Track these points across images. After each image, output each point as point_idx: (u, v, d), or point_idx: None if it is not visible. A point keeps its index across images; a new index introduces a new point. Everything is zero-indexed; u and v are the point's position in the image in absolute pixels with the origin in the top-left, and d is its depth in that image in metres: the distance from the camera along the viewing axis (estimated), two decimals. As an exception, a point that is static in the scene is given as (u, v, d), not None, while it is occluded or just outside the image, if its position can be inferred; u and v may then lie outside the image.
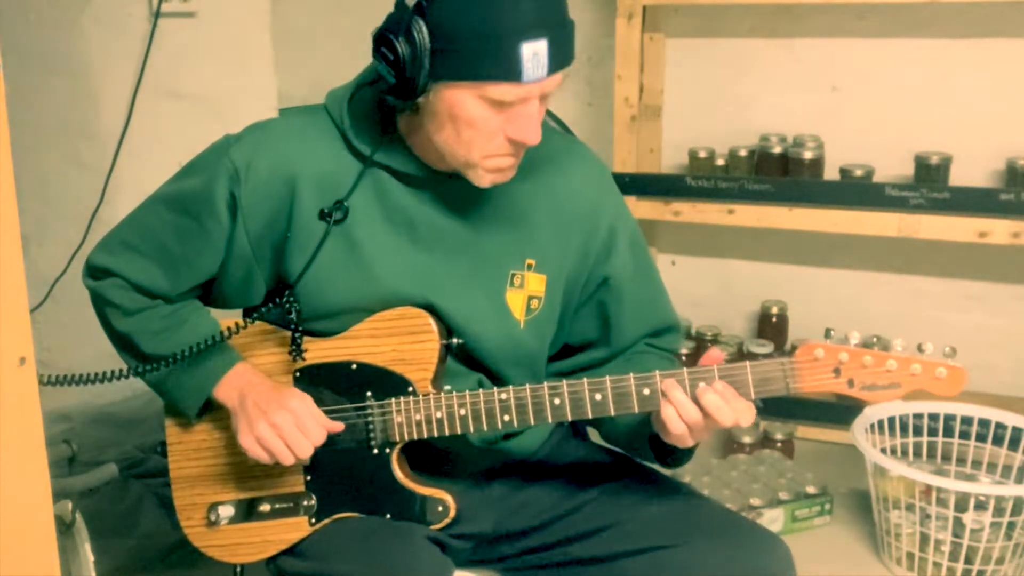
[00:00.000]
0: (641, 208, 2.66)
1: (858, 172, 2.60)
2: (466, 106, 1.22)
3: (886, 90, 2.70)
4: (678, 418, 1.27)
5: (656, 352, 1.50)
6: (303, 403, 1.34)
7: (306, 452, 1.33)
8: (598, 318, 1.47)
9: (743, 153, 2.74)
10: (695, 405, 1.26)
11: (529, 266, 1.41)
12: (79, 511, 1.69)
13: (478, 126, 1.24)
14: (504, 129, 1.25)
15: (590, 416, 1.32)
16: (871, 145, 2.70)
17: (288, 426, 1.32)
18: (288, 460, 1.33)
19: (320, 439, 1.34)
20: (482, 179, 1.30)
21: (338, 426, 1.36)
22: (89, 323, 1.50)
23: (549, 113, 1.36)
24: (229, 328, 1.37)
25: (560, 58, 1.21)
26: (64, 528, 1.67)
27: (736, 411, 1.25)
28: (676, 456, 1.39)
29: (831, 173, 2.67)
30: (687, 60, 2.87)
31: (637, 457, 1.47)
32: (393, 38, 1.20)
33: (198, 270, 1.40)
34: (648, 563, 1.35)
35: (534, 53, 1.17)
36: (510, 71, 1.18)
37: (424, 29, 1.19)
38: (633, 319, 1.47)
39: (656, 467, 1.45)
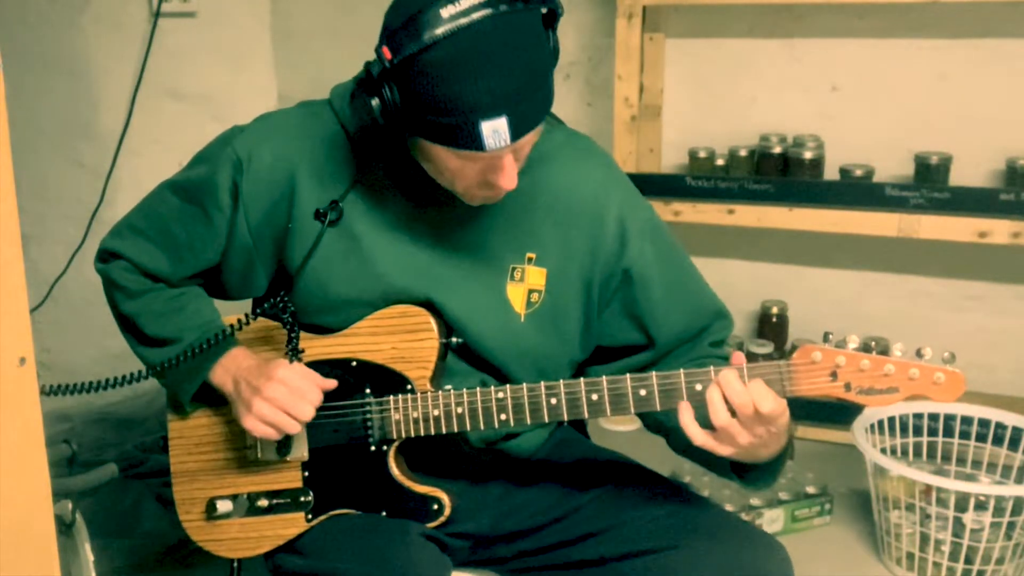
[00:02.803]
0: (641, 208, 2.66)
1: (858, 172, 2.60)
2: (442, 157, 1.25)
3: (886, 90, 2.70)
4: (697, 426, 1.23)
5: (714, 353, 1.44)
6: (290, 369, 1.34)
7: (308, 414, 1.33)
8: (628, 317, 1.43)
9: (743, 153, 2.74)
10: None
11: (529, 259, 1.40)
12: (79, 511, 1.69)
13: (456, 172, 1.26)
14: (483, 173, 1.26)
15: (586, 416, 1.31)
16: (871, 145, 2.70)
17: (283, 395, 1.32)
18: (294, 428, 1.34)
19: (317, 397, 1.34)
20: (472, 201, 1.33)
21: (331, 383, 1.36)
22: (89, 323, 1.51)
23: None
24: (243, 318, 1.38)
25: (524, 128, 1.21)
26: (64, 528, 1.67)
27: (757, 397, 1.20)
28: (753, 471, 1.33)
29: (831, 173, 2.66)
30: (687, 60, 2.86)
31: (713, 470, 1.39)
32: (367, 100, 1.22)
33: (200, 256, 1.43)
34: (646, 566, 1.34)
35: (494, 130, 1.18)
36: (472, 143, 1.19)
37: (396, 94, 1.20)
38: (668, 309, 1.42)
39: (736, 483, 1.38)
